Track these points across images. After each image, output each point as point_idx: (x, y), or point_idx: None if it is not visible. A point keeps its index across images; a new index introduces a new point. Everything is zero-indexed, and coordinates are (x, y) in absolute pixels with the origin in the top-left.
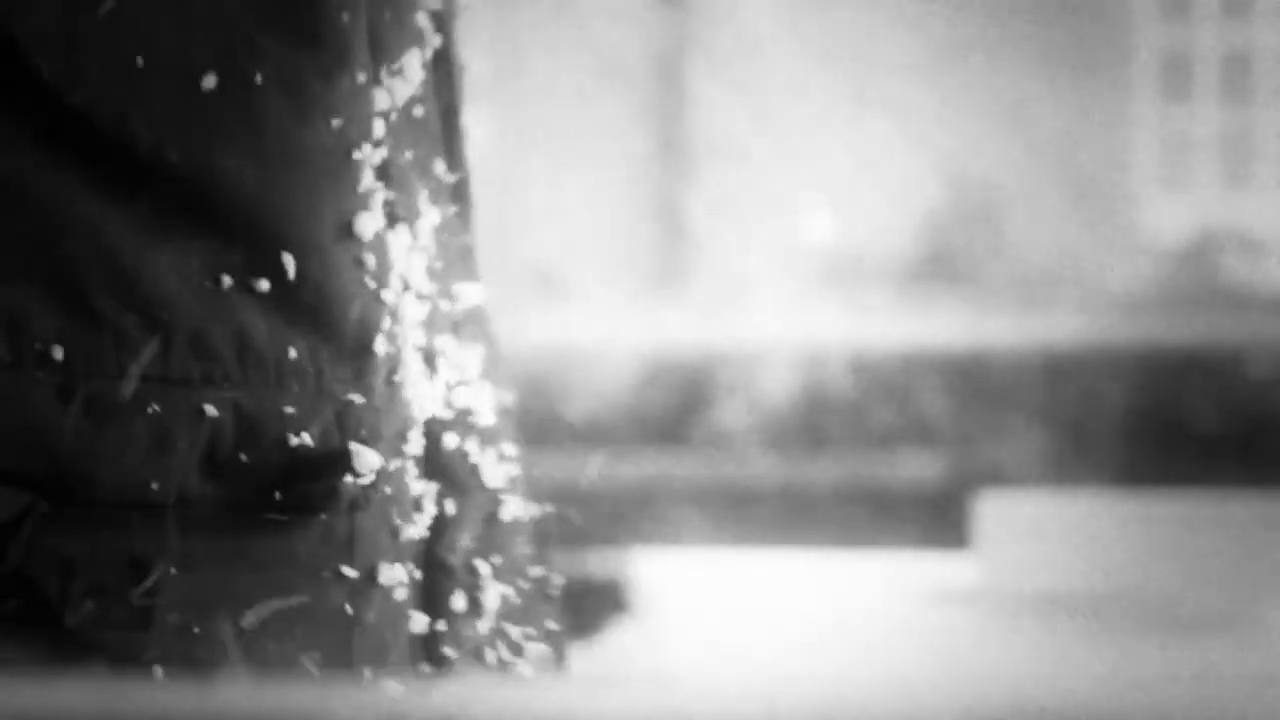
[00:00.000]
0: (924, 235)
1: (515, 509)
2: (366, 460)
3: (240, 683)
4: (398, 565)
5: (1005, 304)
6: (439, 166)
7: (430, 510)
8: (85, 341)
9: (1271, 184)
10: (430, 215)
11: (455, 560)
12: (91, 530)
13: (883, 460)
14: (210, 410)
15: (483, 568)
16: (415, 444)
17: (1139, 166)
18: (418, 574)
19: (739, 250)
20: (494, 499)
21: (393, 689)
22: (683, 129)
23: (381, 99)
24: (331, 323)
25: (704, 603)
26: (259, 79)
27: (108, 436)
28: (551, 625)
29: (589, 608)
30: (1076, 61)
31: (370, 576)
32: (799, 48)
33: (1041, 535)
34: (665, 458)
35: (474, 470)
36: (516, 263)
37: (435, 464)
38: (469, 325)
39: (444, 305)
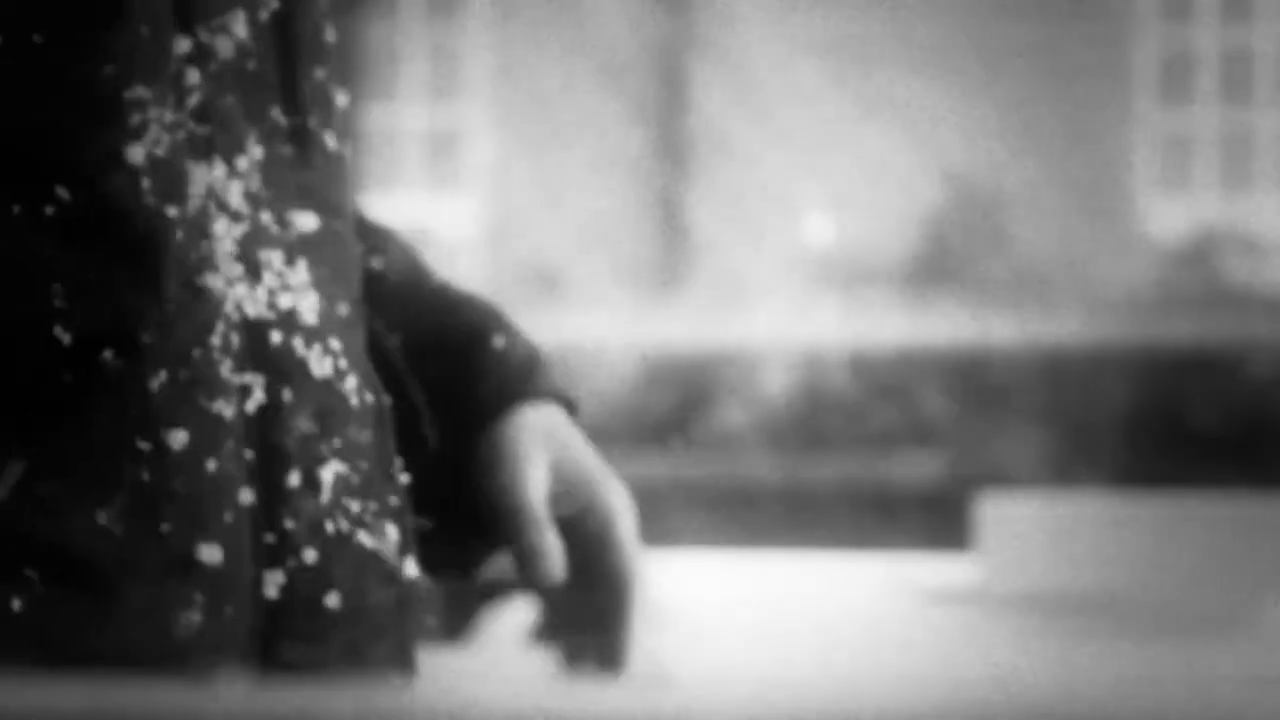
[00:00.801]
0: (924, 235)
1: (345, 397)
2: (123, 343)
3: (240, 683)
4: (202, 441)
5: (1005, 304)
6: (274, 111)
7: (259, 397)
8: None
9: (1271, 184)
10: (255, 152)
11: (289, 442)
12: None
13: (883, 460)
14: None
15: (317, 449)
16: (230, 337)
17: (1139, 166)
18: (249, 454)
19: (739, 250)
20: (322, 388)
21: (391, 690)
22: (683, 129)
23: (184, 47)
24: (115, 236)
25: (704, 603)
26: (37, 38)
27: None
28: (394, 501)
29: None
30: (1076, 62)
31: (165, 449)
32: (799, 48)
33: (1042, 536)
34: (665, 458)
35: (300, 363)
36: (516, 263)
37: (261, 357)
38: (302, 246)
39: (273, 228)
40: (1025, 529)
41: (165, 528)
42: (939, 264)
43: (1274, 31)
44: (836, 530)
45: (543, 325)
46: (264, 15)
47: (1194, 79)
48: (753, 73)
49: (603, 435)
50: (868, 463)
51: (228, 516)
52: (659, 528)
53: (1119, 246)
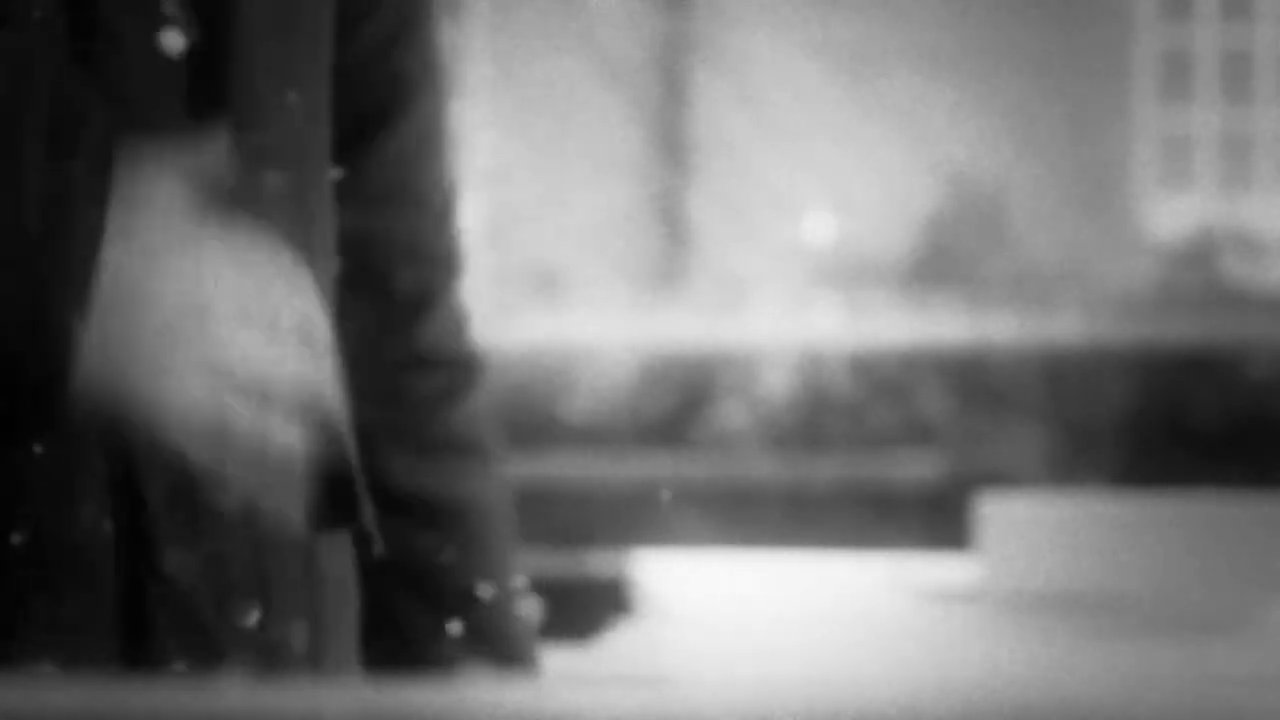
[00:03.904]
0: (924, 235)
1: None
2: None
3: (240, 683)
4: (78, 526)
5: (1005, 304)
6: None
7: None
8: None
9: (1271, 184)
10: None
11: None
12: None
13: (883, 460)
14: None
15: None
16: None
17: (1139, 166)
18: (108, 524)
19: (739, 250)
20: (192, 481)
21: (391, 690)
22: (683, 129)
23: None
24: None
25: (704, 603)
26: None
27: None
28: (265, 606)
29: (589, 608)
30: (1076, 62)
31: (38, 539)
32: (799, 48)
33: (1042, 535)
34: (665, 458)
35: (175, 455)
36: (516, 263)
37: (127, 452)
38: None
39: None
40: (1025, 529)
41: (36, 618)
42: (939, 264)
43: (1274, 31)
44: (836, 530)
45: (543, 325)
46: (178, 79)
47: (1194, 79)
48: (753, 73)
49: (603, 435)
50: (868, 463)
51: (98, 608)
52: (659, 528)
53: (1119, 246)
